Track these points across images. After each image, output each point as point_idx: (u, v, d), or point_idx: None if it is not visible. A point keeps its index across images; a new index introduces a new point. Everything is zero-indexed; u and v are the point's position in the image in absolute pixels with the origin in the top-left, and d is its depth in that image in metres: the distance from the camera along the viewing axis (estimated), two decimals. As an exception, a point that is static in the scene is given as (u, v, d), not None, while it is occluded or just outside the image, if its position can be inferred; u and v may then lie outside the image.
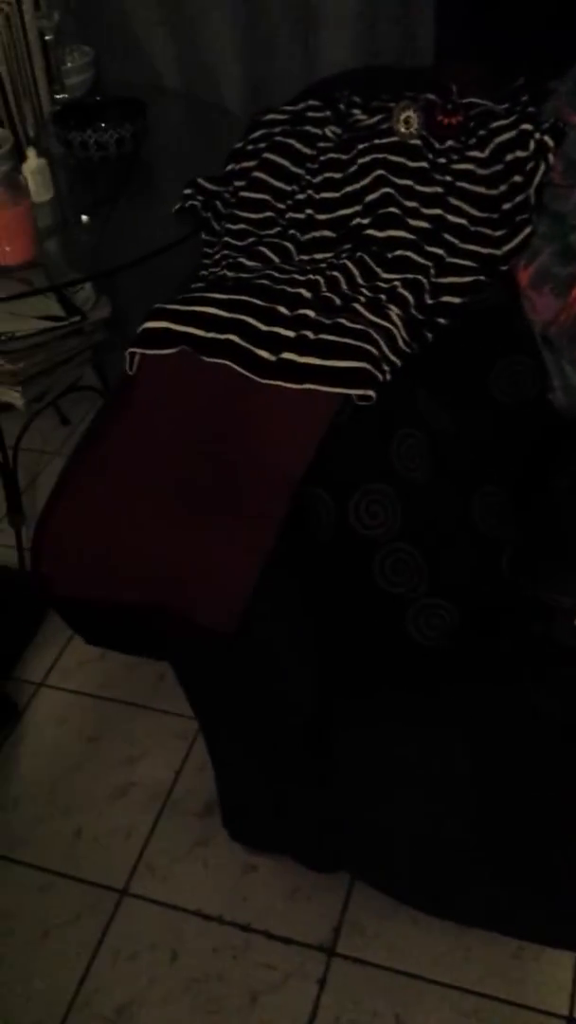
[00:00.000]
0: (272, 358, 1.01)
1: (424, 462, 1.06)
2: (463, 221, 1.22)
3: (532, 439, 1.13)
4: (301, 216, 1.27)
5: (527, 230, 1.20)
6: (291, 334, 1.02)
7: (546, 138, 1.22)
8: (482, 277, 1.20)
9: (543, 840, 0.96)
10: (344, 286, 1.12)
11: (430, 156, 1.26)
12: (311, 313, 1.04)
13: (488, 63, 1.45)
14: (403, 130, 1.26)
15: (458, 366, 1.17)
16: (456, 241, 1.22)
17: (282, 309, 1.05)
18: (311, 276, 1.11)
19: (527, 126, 1.23)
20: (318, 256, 1.23)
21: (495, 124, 1.25)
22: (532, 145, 1.22)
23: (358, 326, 1.04)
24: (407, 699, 0.97)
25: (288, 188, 1.31)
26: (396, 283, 1.15)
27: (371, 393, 1.00)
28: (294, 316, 1.04)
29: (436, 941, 1.23)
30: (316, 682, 0.96)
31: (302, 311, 1.04)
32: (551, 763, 0.92)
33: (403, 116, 1.26)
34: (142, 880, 1.32)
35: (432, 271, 1.19)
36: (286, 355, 1.00)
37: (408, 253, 1.18)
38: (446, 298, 1.20)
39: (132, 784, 1.43)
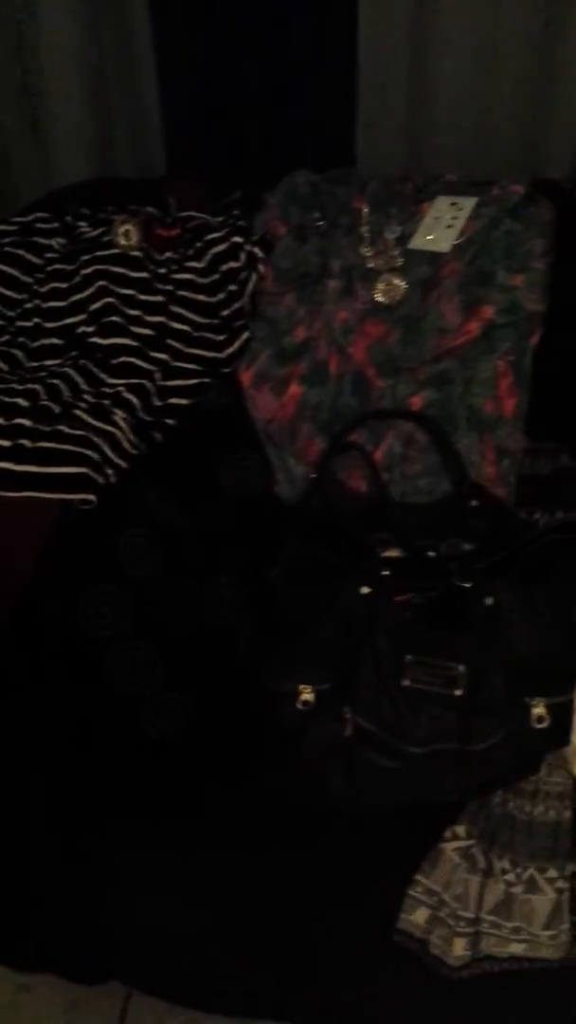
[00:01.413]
0: (-12, 469, 1.02)
1: (154, 558, 1.09)
2: (186, 327, 1.29)
3: (261, 530, 1.19)
4: (29, 324, 1.29)
5: (244, 335, 1.28)
6: (7, 443, 1.03)
7: (256, 250, 1.32)
8: (207, 379, 1.27)
9: (291, 921, 0.99)
10: (66, 393, 1.15)
11: (151, 267, 1.32)
12: (27, 422, 1.06)
13: (212, 177, 1.56)
14: (123, 242, 1.32)
15: (188, 463, 1.22)
16: (180, 346, 1.28)
17: (-1, 419, 1.07)
18: (30, 385, 1.13)
19: (238, 238, 1.32)
20: (48, 363, 1.26)
21: (210, 236, 1.34)
22: (243, 256, 1.31)
23: (77, 432, 1.06)
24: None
25: (18, 296, 1.33)
26: (120, 388, 1.19)
27: (91, 497, 1.02)
28: (10, 425, 1.05)
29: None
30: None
31: (18, 420, 1.06)
32: (287, 840, 0.96)
33: (123, 229, 1.32)
34: None
35: (157, 375, 1.25)
36: (2, 465, 1.01)
37: (132, 359, 1.23)
38: (173, 400, 1.25)
39: None
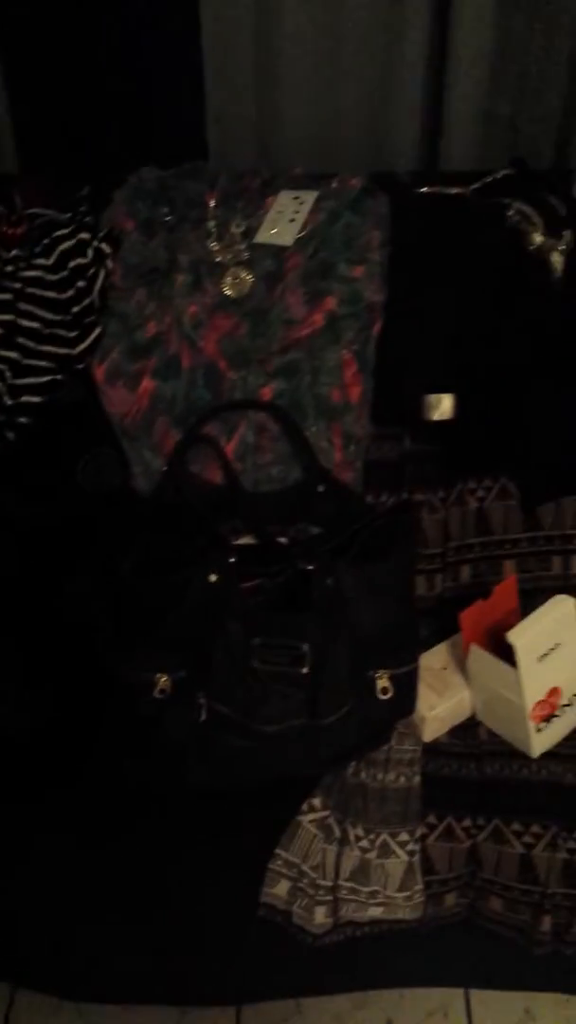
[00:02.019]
0: None
1: (10, 559, 1.10)
2: (36, 325, 1.29)
3: (118, 525, 1.20)
4: None
5: (96, 331, 1.29)
6: None
7: (103, 245, 1.33)
8: (59, 376, 1.27)
9: (159, 902, 1.01)
10: None
11: (-2, 265, 1.31)
12: None
13: (62, 174, 1.55)
14: (-32, 241, 1.31)
15: (44, 461, 1.22)
16: (31, 344, 1.28)
17: None
18: None
19: (84, 235, 1.32)
20: None
21: (57, 233, 1.33)
22: (91, 253, 1.31)
23: None
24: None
25: None
26: (-31, 389, 1.18)
27: None
28: None
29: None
30: None
31: None
32: (149, 824, 0.98)
33: (-33, 228, 1.31)
34: None
35: (8, 374, 1.24)
36: None
37: (-20, 359, 1.22)
38: (25, 398, 1.25)
39: None
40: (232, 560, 0.98)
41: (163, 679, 0.97)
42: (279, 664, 0.94)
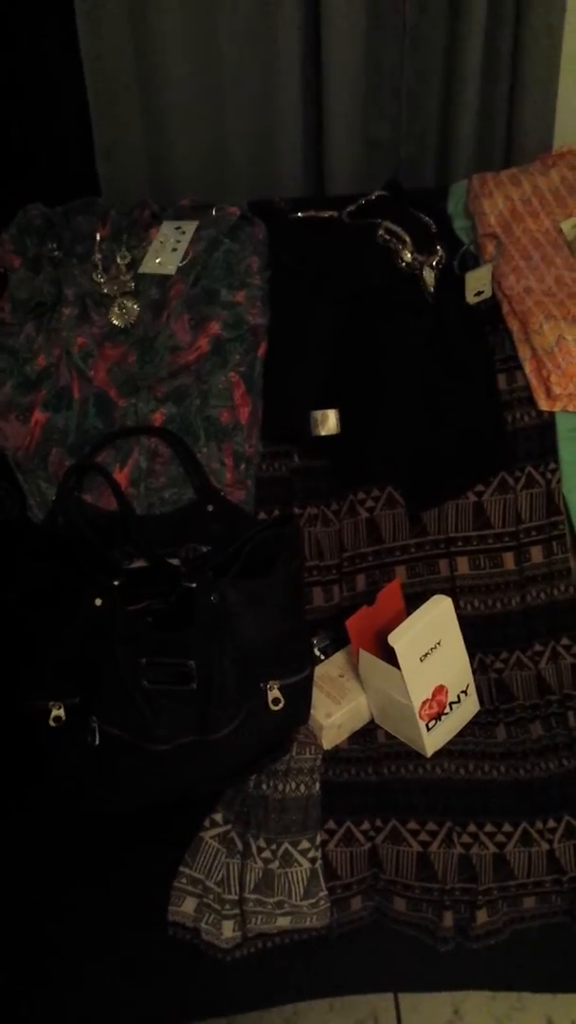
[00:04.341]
0: None
1: None
2: None
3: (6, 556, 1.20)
4: None
5: (-15, 367, 1.30)
6: None
7: (-11, 283, 1.34)
8: (-49, 414, 1.28)
9: (57, 928, 1.01)
10: None
11: None
12: None
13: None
14: None
15: None
16: None
17: None
18: None
19: (-29, 274, 1.34)
20: None
21: (-57, 273, 1.35)
22: (-23, 291, 1.33)
23: None
24: None
25: None
26: None
27: None
28: None
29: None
30: None
31: None
32: (50, 850, 0.98)
33: None
34: None
35: None
36: None
37: None
38: None
39: None
40: (116, 583, 0.99)
41: (56, 707, 0.98)
42: (167, 682, 0.96)
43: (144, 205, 1.51)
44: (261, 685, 1.00)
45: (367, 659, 1.05)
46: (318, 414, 1.26)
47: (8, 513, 1.25)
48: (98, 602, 0.98)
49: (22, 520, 1.26)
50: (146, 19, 1.55)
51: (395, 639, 0.98)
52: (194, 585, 0.99)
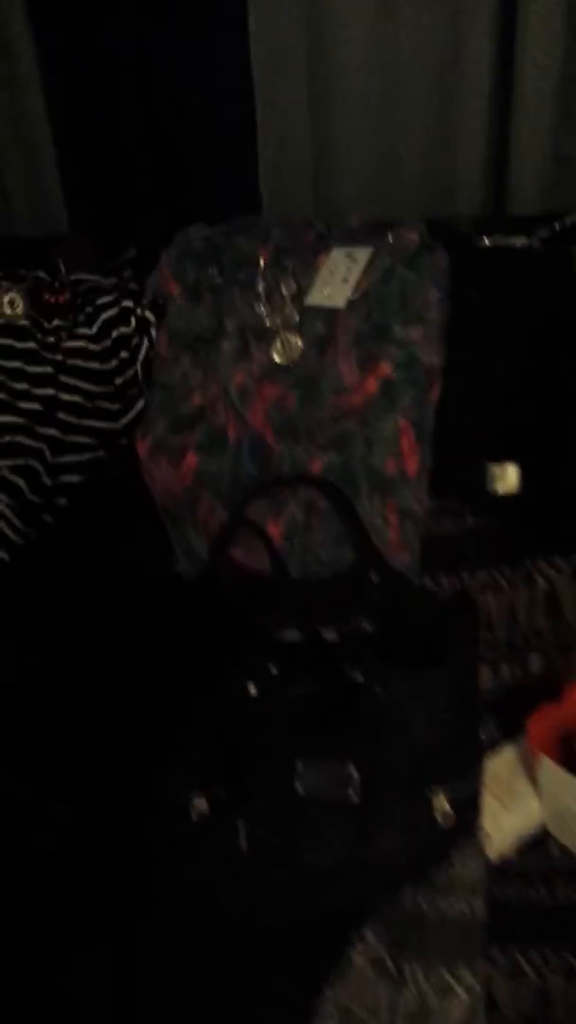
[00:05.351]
0: None
1: (39, 651, 1.04)
2: (77, 398, 1.24)
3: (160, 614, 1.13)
4: None
5: (139, 404, 1.23)
6: None
7: (147, 314, 1.27)
8: (101, 452, 1.21)
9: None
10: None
11: (39, 335, 1.27)
12: None
13: (108, 236, 1.50)
14: (8, 312, 1.27)
15: (82, 546, 1.17)
16: (72, 419, 1.23)
17: None
18: None
19: (128, 303, 1.27)
20: None
21: (100, 301, 1.28)
22: (133, 321, 1.26)
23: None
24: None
25: None
26: (5, 470, 1.13)
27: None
28: None
29: None
30: None
31: None
32: (182, 958, 0.90)
33: (7, 298, 1.27)
34: None
35: (47, 453, 1.19)
36: None
37: (18, 438, 1.18)
38: (65, 478, 1.20)
39: None
40: (275, 672, 0.89)
41: (201, 802, 0.89)
42: (326, 790, 0.85)
43: (309, 225, 1.41)
44: (427, 794, 0.88)
45: (549, 768, 0.92)
46: (496, 468, 1.13)
47: (155, 566, 1.17)
48: (252, 691, 0.88)
49: (165, 574, 1.18)
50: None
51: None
52: (362, 680, 0.88)
